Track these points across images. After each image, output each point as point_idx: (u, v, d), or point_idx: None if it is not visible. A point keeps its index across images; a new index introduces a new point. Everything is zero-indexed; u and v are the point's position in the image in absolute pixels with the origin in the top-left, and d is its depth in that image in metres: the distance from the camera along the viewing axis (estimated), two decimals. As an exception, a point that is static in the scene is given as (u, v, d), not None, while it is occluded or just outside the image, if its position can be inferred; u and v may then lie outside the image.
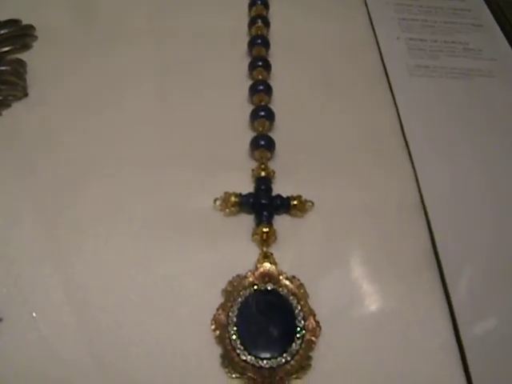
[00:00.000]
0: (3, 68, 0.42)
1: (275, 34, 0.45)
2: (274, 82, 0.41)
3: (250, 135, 0.38)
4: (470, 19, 0.52)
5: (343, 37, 0.47)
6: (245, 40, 0.44)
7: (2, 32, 0.44)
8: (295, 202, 0.34)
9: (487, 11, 0.53)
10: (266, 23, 0.45)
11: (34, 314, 0.30)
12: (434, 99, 0.44)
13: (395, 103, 0.43)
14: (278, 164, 0.37)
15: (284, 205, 0.34)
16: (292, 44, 0.45)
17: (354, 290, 0.33)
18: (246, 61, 0.43)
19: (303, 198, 0.35)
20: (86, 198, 0.35)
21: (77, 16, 0.48)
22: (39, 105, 0.40)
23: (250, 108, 0.39)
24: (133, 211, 0.34)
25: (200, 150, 0.37)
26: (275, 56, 0.43)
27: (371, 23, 0.50)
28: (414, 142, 0.41)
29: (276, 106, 0.40)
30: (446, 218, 0.37)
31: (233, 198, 0.34)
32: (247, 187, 0.35)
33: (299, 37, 0.46)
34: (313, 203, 0.34)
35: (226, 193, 0.34)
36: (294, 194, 0.35)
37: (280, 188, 0.35)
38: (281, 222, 0.34)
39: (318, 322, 0.30)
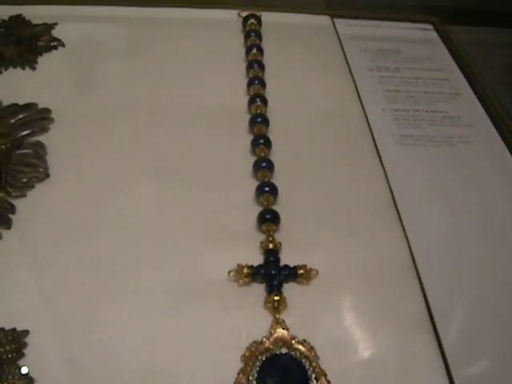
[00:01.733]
0: (25, 151, 0.45)
1: (273, 111, 0.49)
2: (274, 157, 0.45)
3: (255, 208, 0.42)
4: (447, 88, 0.57)
5: (335, 111, 0.51)
6: (245, 118, 0.48)
7: (21, 116, 0.48)
8: (301, 271, 0.38)
9: (463, 80, 0.58)
10: (264, 102, 0.49)
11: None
12: (420, 166, 0.48)
13: (385, 173, 0.47)
14: (284, 234, 0.41)
15: (291, 274, 0.38)
16: (288, 120, 0.49)
17: (357, 349, 0.36)
18: (247, 138, 0.47)
19: (308, 267, 0.38)
20: (109, 270, 0.38)
21: (86, 96, 0.51)
22: (60, 184, 0.43)
23: (253, 183, 0.43)
24: (153, 282, 0.38)
25: (211, 224, 0.41)
26: (274, 132, 0.47)
27: (358, 96, 0.54)
28: (404, 208, 0.44)
29: (278, 179, 0.44)
30: (437, 275, 0.41)
31: (245, 270, 0.37)
32: (257, 258, 0.39)
33: (294, 113, 0.50)
34: (317, 271, 0.38)
35: (239, 265, 0.38)
36: (300, 263, 0.38)
37: (287, 257, 0.39)
38: (289, 289, 0.38)
39: (329, 382, 0.33)
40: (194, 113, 0.50)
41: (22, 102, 0.50)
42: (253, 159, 0.45)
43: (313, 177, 0.45)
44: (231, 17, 0.62)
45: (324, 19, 0.64)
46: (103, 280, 0.38)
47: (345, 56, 0.59)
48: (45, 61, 0.55)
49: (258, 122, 0.47)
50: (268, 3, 0.65)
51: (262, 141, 0.45)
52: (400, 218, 0.43)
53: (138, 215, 0.42)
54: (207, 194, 0.43)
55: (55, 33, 0.58)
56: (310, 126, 0.50)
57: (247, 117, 0.49)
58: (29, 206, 0.42)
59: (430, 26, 0.65)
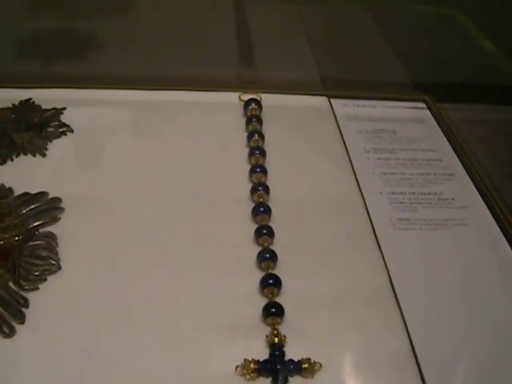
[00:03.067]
0: (37, 242, 0.47)
1: (274, 199, 0.52)
2: (276, 247, 0.47)
3: (260, 300, 0.43)
4: (442, 169, 0.59)
5: (334, 196, 0.53)
6: (248, 205, 0.50)
7: (33, 206, 0.50)
8: (306, 366, 0.39)
9: (456, 160, 0.60)
10: (267, 190, 0.51)
11: None
12: (417, 250, 0.50)
13: (383, 257, 0.49)
14: (288, 326, 0.42)
15: (297, 368, 0.39)
16: (289, 207, 0.51)
17: None
18: (251, 226, 0.49)
19: (312, 361, 0.40)
20: (122, 362, 0.40)
21: (95, 182, 0.53)
22: (72, 276, 0.45)
23: (258, 273, 0.45)
24: (162, 374, 0.39)
25: (217, 316, 0.43)
26: (276, 221, 0.49)
27: (356, 179, 0.56)
28: (401, 293, 0.46)
29: (280, 270, 0.46)
30: (436, 364, 0.42)
31: (252, 365, 0.39)
32: (262, 351, 0.41)
33: (295, 200, 0.52)
34: (321, 365, 0.40)
35: (245, 360, 0.39)
36: (304, 356, 0.40)
37: (292, 350, 0.41)
38: (295, 383, 0.39)
39: None
40: (197, 199, 0.52)
41: (32, 189, 0.52)
42: (256, 248, 0.47)
43: (313, 265, 0.47)
44: (232, 99, 0.65)
45: (321, 100, 0.66)
46: (117, 372, 0.39)
47: (342, 137, 0.61)
48: (54, 147, 0.57)
49: (261, 211, 0.48)
50: (266, 84, 0.67)
51: (265, 231, 0.47)
52: (398, 303, 0.45)
53: (147, 305, 0.43)
54: (212, 285, 0.45)
55: (64, 117, 0.61)
56: (311, 213, 0.52)
57: (250, 204, 0.51)
58: (41, 300, 0.43)
59: (423, 105, 0.68)
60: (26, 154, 0.56)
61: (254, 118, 0.59)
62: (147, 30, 0.67)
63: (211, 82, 0.67)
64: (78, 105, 0.62)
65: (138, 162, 0.56)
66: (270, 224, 0.49)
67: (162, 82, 0.65)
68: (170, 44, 0.68)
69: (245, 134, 0.59)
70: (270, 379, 0.39)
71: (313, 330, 0.43)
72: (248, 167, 0.55)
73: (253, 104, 0.61)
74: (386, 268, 0.48)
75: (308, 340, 0.42)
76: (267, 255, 0.45)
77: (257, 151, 0.55)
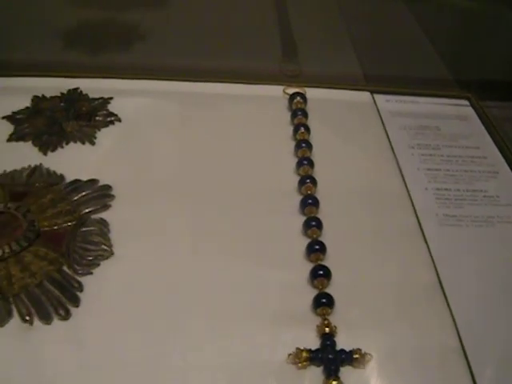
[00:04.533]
0: (90, 228, 0.48)
1: (321, 191, 0.52)
2: (325, 239, 0.47)
3: (309, 290, 0.44)
4: (486, 166, 0.59)
5: (380, 190, 0.54)
6: (295, 198, 0.51)
7: (84, 193, 0.51)
8: (357, 356, 0.40)
9: (501, 158, 0.60)
10: (314, 182, 0.51)
11: None
12: (465, 247, 0.50)
13: (430, 252, 0.49)
14: (337, 317, 0.43)
15: (348, 358, 0.40)
16: (336, 200, 0.52)
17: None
18: (298, 218, 0.49)
19: (363, 352, 0.40)
20: (171, 347, 0.41)
21: (143, 171, 0.54)
22: (125, 262, 0.46)
23: (306, 264, 0.46)
24: (214, 362, 0.40)
25: (267, 305, 0.43)
26: (323, 212, 0.50)
27: (401, 174, 0.56)
28: (450, 289, 0.46)
29: (329, 261, 0.46)
30: (486, 359, 0.42)
31: (304, 354, 0.39)
32: (311, 340, 0.41)
33: (341, 192, 0.53)
34: (371, 355, 0.40)
35: (297, 348, 0.40)
36: (355, 347, 0.40)
37: (341, 340, 0.41)
38: (346, 373, 0.40)
39: None
40: (244, 190, 0.53)
41: (82, 176, 0.53)
42: (305, 240, 0.47)
43: (362, 257, 0.47)
44: (275, 92, 0.65)
45: (364, 95, 0.66)
46: (169, 356, 0.40)
47: (386, 132, 0.61)
48: (103, 135, 0.58)
49: (310, 203, 0.49)
50: (309, 78, 0.68)
51: (313, 223, 0.47)
52: (446, 299, 0.45)
53: (199, 293, 0.44)
54: (262, 275, 0.45)
55: (111, 107, 0.61)
56: (357, 206, 0.52)
57: (297, 196, 0.51)
58: (95, 284, 0.44)
59: (466, 102, 0.68)
60: (75, 142, 0.57)
61: (299, 111, 0.59)
62: (193, 23, 0.68)
63: (255, 75, 0.67)
64: (125, 95, 0.63)
65: (185, 152, 0.57)
66: (318, 216, 0.49)
67: (207, 74, 0.66)
68: (216, 36, 0.68)
69: (289, 127, 0.60)
70: (320, 368, 0.40)
71: (361, 321, 0.43)
72: (294, 159, 0.55)
73: (298, 97, 0.61)
74: (434, 263, 0.48)
75: (357, 331, 0.42)
76: (317, 247, 0.46)
77: (303, 144, 0.55)
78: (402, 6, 0.69)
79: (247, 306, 0.43)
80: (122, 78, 0.65)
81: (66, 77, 0.66)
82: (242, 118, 0.61)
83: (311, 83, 0.66)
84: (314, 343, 0.41)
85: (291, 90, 0.63)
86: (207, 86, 0.65)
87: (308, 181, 0.51)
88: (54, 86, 0.65)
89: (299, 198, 0.51)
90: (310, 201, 0.49)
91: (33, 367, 0.40)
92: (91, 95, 0.63)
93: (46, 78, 0.66)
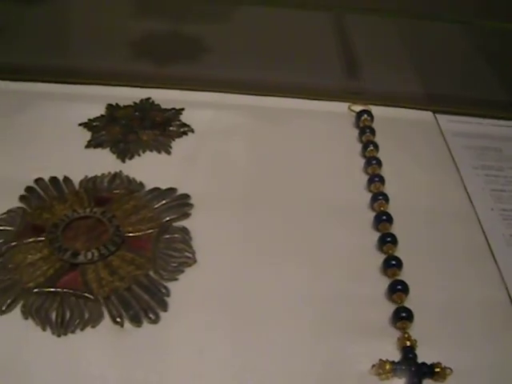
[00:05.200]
0: (172, 236, 0.50)
1: (392, 208, 0.53)
2: (400, 255, 0.49)
3: (386, 304, 0.45)
4: (549, 189, 0.60)
5: (449, 209, 0.55)
6: (367, 214, 0.52)
7: (164, 201, 0.53)
8: (438, 369, 0.41)
9: None
10: (386, 199, 0.53)
11: None
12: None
13: (500, 273, 0.50)
14: (416, 331, 0.44)
15: (429, 372, 0.41)
16: (407, 217, 0.53)
17: None
18: (372, 234, 0.51)
19: (443, 365, 0.41)
20: (258, 357, 0.42)
21: (218, 181, 0.56)
22: (208, 270, 0.47)
23: (382, 278, 0.47)
24: (301, 371, 0.41)
25: (347, 319, 0.45)
26: (396, 229, 0.51)
27: (467, 194, 0.58)
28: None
29: (405, 277, 0.48)
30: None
31: (387, 366, 0.41)
32: (391, 352, 0.43)
33: (411, 210, 0.54)
34: (451, 370, 0.41)
35: (380, 360, 0.41)
36: (435, 361, 0.42)
37: (421, 354, 0.42)
38: (427, 386, 0.41)
39: None
40: (316, 204, 0.54)
41: (159, 184, 0.55)
42: (379, 255, 0.49)
43: (436, 273, 0.49)
44: (339, 108, 0.67)
45: (426, 114, 0.68)
46: (253, 366, 0.41)
47: (450, 152, 0.63)
48: (177, 145, 0.60)
49: (384, 219, 0.50)
50: (371, 95, 0.69)
51: (389, 239, 0.49)
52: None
53: (280, 304, 0.46)
54: (342, 288, 0.47)
55: (183, 117, 0.63)
56: (426, 223, 0.53)
57: (369, 212, 0.53)
58: (180, 290, 0.46)
59: (529, 124, 0.69)
60: (151, 151, 0.59)
61: (367, 128, 0.61)
62: (259, 36, 0.70)
63: (319, 90, 0.69)
64: (195, 106, 0.65)
65: (257, 165, 0.58)
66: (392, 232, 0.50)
67: (273, 89, 0.68)
68: (280, 51, 0.70)
69: (356, 143, 0.61)
70: (402, 380, 0.41)
71: (439, 335, 0.45)
72: (363, 176, 0.57)
73: (365, 115, 0.63)
74: (504, 282, 0.49)
75: (435, 345, 0.44)
76: (393, 262, 0.47)
77: (373, 161, 0.57)
78: (466, 27, 0.70)
79: (328, 317, 0.45)
80: (192, 90, 0.67)
81: (135, 86, 0.68)
82: (309, 132, 0.63)
83: (374, 101, 0.67)
84: (393, 356, 0.42)
85: (357, 108, 0.65)
86: (274, 101, 0.67)
87: (380, 197, 0.53)
88: (124, 95, 0.67)
89: (371, 213, 0.53)
90: (384, 217, 0.51)
91: (125, 368, 0.41)
92: (163, 106, 0.65)
93: (115, 87, 0.68)
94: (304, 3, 0.69)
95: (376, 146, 0.59)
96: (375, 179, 0.54)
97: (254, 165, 0.58)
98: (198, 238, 0.50)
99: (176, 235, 0.50)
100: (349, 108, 0.66)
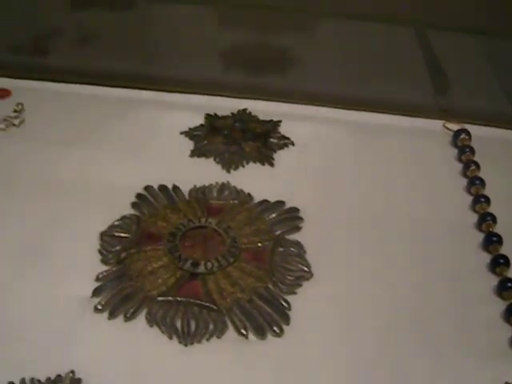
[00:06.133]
0: (287, 249, 0.51)
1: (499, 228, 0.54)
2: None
3: (505, 327, 0.46)
4: None
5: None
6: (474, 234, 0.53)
7: (274, 214, 0.54)
8: None
9: None
10: (494, 220, 0.53)
11: None
12: None
13: None
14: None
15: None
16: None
17: None
18: (481, 255, 0.51)
19: None
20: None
21: (324, 196, 0.57)
22: (324, 284, 0.48)
23: (498, 301, 0.48)
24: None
25: (467, 343, 0.45)
26: (506, 250, 0.52)
27: None
28: None
29: (520, 300, 0.48)
30: None
31: (514, 389, 0.41)
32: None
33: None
34: None
35: (507, 383, 0.42)
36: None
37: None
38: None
39: None
40: (420, 223, 0.55)
41: (265, 196, 0.56)
42: (490, 276, 0.49)
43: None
44: (432, 125, 0.67)
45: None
46: (376, 377, 0.42)
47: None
48: (279, 157, 0.61)
49: (494, 241, 0.51)
50: (461, 113, 0.70)
51: (502, 260, 0.49)
52: None
53: (396, 317, 0.47)
54: (457, 311, 0.48)
55: (281, 129, 0.64)
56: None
57: (476, 233, 0.53)
58: (299, 304, 0.47)
59: None
60: (254, 162, 0.60)
61: (466, 148, 0.61)
62: (347, 51, 0.71)
63: (412, 107, 0.69)
64: (293, 118, 0.66)
65: (357, 180, 0.59)
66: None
67: (365, 103, 0.69)
68: (369, 65, 0.71)
69: (455, 162, 0.62)
70: (526, 405, 0.42)
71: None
72: (466, 196, 0.57)
73: (463, 134, 0.63)
74: None
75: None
76: (509, 284, 0.48)
77: (477, 181, 0.57)
78: None
79: (445, 340, 0.45)
80: (288, 102, 0.68)
81: (230, 96, 0.69)
82: (406, 149, 0.64)
83: (466, 119, 0.68)
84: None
85: (453, 126, 0.65)
86: (369, 116, 0.67)
87: (488, 218, 0.53)
88: (219, 104, 0.68)
89: (478, 234, 0.53)
90: (494, 238, 0.51)
91: (250, 381, 0.42)
92: (260, 117, 0.66)
93: (210, 97, 0.70)
94: (398, 20, 0.69)
95: (477, 166, 0.59)
96: (481, 199, 0.55)
97: (356, 180, 0.59)
98: (311, 253, 0.50)
99: (291, 249, 0.50)
100: (444, 126, 0.66)
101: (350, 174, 0.60)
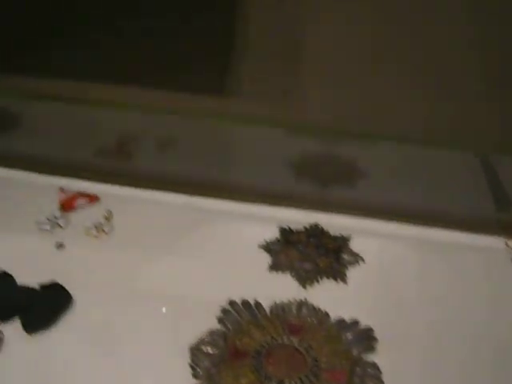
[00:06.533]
0: (366, 370, 0.54)
1: None
2: None
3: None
4: None
5: None
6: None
7: (350, 334, 0.57)
8: None
9: None
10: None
11: None
12: None
13: None
14: None
15: None
16: None
17: None
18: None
19: None
20: None
21: (397, 316, 0.61)
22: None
23: None
24: None
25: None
26: None
27: None
28: None
29: None
30: None
31: None
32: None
33: None
34: None
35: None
36: None
37: None
38: None
39: None
40: (488, 342, 0.58)
41: (340, 313, 0.60)
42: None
43: None
44: (497, 244, 0.71)
45: None
46: None
47: None
48: (352, 274, 0.65)
49: None
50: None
51: None
52: None
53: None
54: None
55: (351, 245, 0.69)
56: None
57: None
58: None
59: None
60: (328, 278, 0.64)
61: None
62: (410, 169, 0.75)
63: (473, 223, 0.73)
64: (361, 233, 0.71)
65: (427, 302, 0.63)
66: None
67: (427, 218, 0.72)
68: (434, 182, 0.75)
69: (517, 280, 0.65)
70: None
71: None
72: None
73: (530, 253, 0.67)
74: None
75: None
76: None
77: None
78: None
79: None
80: (357, 216, 0.72)
81: (300, 208, 0.74)
82: (470, 268, 0.67)
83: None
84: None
85: (516, 244, 0.68)
86: (435, 232, 0.71)
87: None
88: (291, 217, 0.73)
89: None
90: None
91: None
92: (329, 231, 0.71)
93: (281, 208, 0.74)
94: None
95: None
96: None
97: (426, 301, 0.63)
98: (387, 374, 0.54)
99: (368, 370, 0.54)
100: (506, 244, 0.69)
101: (420, 296, 0.63)
